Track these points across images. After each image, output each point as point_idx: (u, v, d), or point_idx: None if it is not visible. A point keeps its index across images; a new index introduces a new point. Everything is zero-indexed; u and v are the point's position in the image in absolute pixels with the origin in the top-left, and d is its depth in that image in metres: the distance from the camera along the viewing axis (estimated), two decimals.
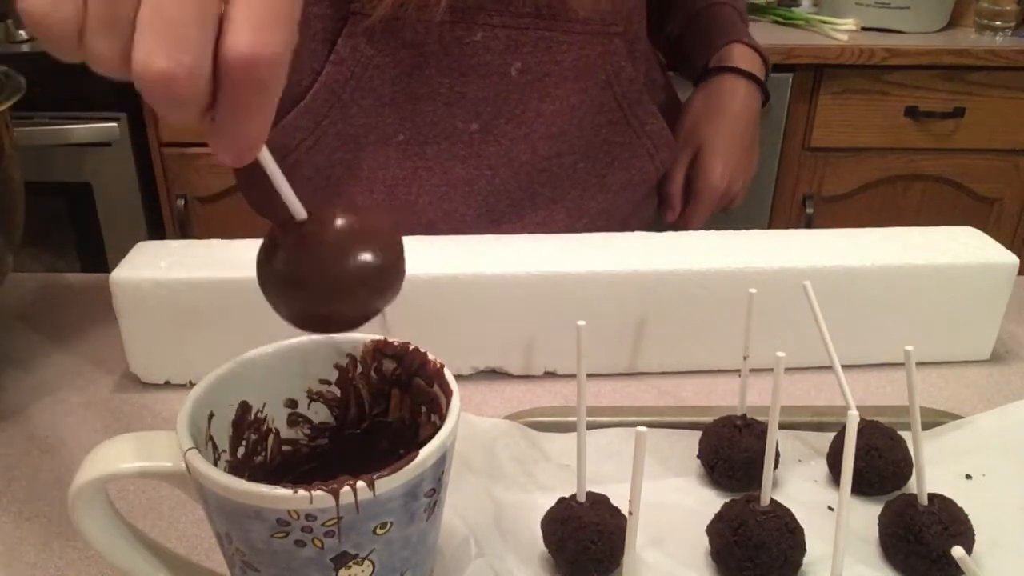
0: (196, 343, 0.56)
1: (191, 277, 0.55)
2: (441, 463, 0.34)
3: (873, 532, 0.44)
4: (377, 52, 0.63)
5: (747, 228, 0.63)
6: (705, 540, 0.43)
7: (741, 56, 0.80)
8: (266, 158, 0.31)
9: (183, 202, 1.70)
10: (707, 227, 0.64)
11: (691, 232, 0.62)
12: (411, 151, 0.65)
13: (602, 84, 0.68)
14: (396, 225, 0.34)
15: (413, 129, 0.65)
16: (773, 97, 0.85)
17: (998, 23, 1.71)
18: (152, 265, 0.56)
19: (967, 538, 0.42)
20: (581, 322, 0.42)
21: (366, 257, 0.32)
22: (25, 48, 1.56)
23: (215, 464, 0.32)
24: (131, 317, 0.56)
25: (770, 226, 1.80)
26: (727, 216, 0.81)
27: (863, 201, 1.78)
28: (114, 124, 1.61)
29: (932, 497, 0.42)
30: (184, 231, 1.71)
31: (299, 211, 0.32)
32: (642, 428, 0.33)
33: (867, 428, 0.47)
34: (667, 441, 0.51)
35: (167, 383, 0.58)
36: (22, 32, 1.57)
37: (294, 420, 0.40)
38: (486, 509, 0.45)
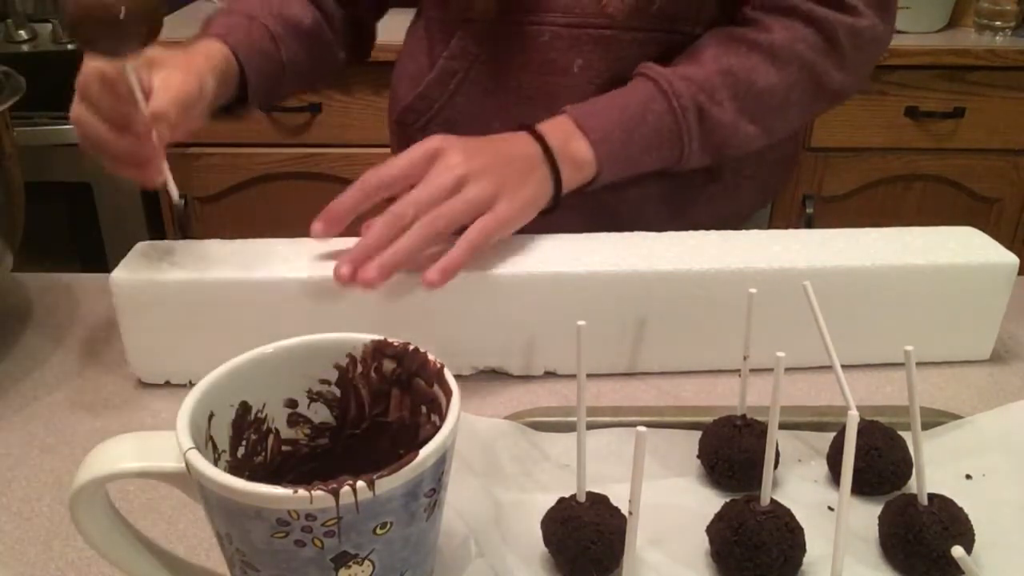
0: (196, 343, 0.56)
1: (191, 277, 0.55)
2: (441, 463, 0.34)
3: (873, 532, 0.44)
4: (482, 51, 0.71)
5: (747, 228, 0.63)
6: (705, 540, 0.43)
7: (555, 127, 0.65)
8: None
9: (183, 202, 1.70)
10: (707, 227, 0.64)
11: (691, 232, 0.62)
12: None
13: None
14: None
15: (507, 119, 0.69)
16: None
17: (998, 23, 1.71)
18: (152, 265, 0.56)
19: (967, 538, 0.42)
20: (581, 322, 0.42)
21: None
22: (25, 48, 1.56)
23: (215, 464, 0.32)
24: (131, 317, 0.56)
25: (770, 226, 1.78)
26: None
27: (863, 201, 1.78)
28: None
29: (932, 497, 0.42)
30: (184, 231, 1.71)
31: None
32: (642, 428, 0.33)
33: (867, 428, 0.48)
34: (667, 441, 0.51)
35: (167, 383, 0.58)
36: (22, 32, 1.57)
37: (294, 420, 0.40)
38: (486, 509, 0.45)
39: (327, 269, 0.55)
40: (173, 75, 0.56)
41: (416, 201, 0.56)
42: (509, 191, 0.59)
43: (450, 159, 0.58)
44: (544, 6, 0.68)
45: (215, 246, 0.59)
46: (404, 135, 0.79)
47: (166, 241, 0.59)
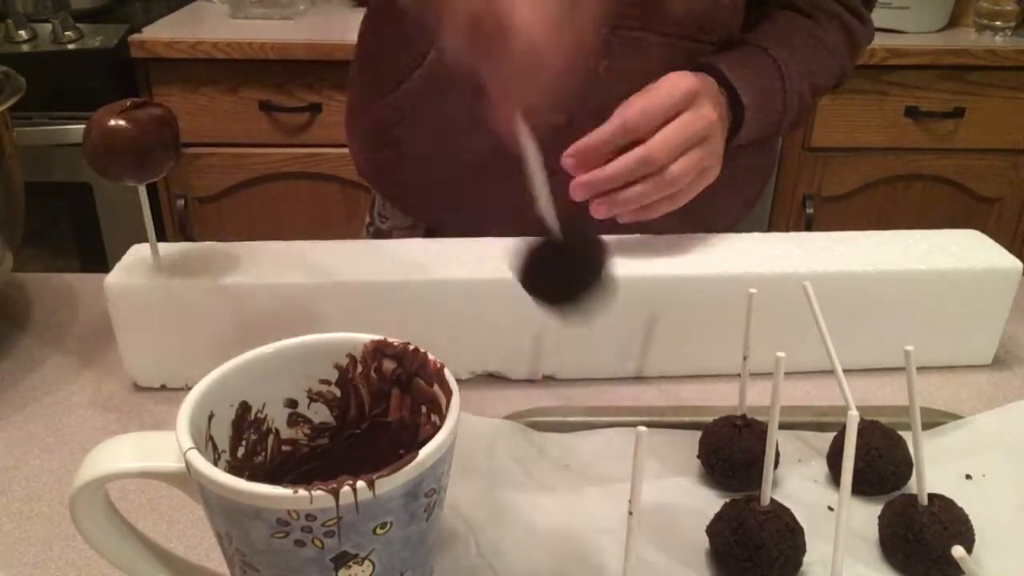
0: (192, 348, 0.56)
1: (187, 282, 0.55)
2: (441, 463, 0.34)
3: (873, 532, 0.44)
4: None
5: (747, 228, 0.63)
6: (705, 540, 0.43)
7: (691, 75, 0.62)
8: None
9: (183, 202, 1.69)
10: (707, 231, 0.64)
11: (691, 236, 0.61)
12: (499, 140, 0.65)
13: None
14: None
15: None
16: None
17: (998, 23, 1.71)
18: (147, 269, 0.55)
19: (967, 538, 0.42)
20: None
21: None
22: (25, 48, 1.56)
23: (215, 464, 0.32)
24: (126, 322, 0.56)
25: (770, 226, 1.80)
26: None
27: (863, 201, 1.78)
28: None
29: (932, 497, 0.42)
30: (184, 231, 1.71)
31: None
32: (642, 428, 0.33)
33: (867, 428, 0.48)
34: (667, 441, 0.51)
35: (163, 387, 0.58)
36: (22, 32, 1.57)
37: (294, 420, 0.40)
38: (486, 509, 0.45)
39: (324, 273, 0.54)
40: None
41: (673, 149, 0.55)
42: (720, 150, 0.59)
43: (704, 107, 0.57)
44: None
45: (210, 249, 0.58)
46: (375, 145, 0.76)
47: (161, 244, 0.58)
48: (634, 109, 0.55)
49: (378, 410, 0.40)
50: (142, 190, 0.52)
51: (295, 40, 1.55)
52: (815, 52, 0.68)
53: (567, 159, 0.55)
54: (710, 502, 0.46)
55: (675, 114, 0.56)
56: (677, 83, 0.56)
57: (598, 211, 0.55)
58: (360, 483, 0.30)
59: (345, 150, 0.84)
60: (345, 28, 1.62)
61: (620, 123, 0.55)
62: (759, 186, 0.80)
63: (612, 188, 0.55)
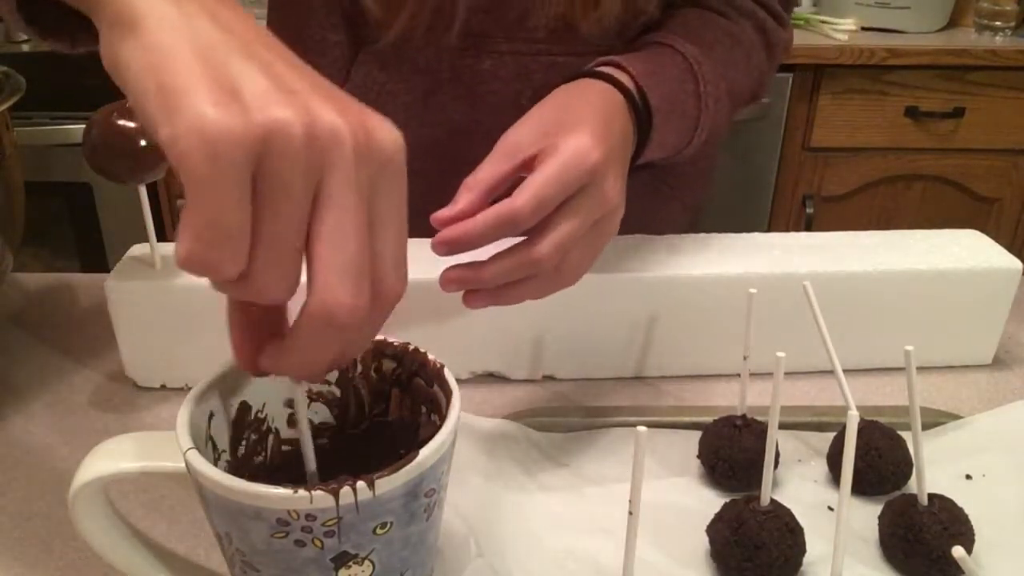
0: (193, 348, 0.56)
1: (187, 282, 0.55)
2: (441, 463, 0.34)
3: (873, 532, 0.44)
4: (389, 79, 0.64)
5: (747, 228, 0.63)
6: (705, 540, 0.43)
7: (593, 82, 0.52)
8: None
9: (183, 202, 1.70)
10: (707, 230, 0.64)
11: (692, 236, 0.62)
12: (428, 178, 0.62)
13: None
14: None
15: (429, 157, 0.64)
16: (773, 97, 0.79)
17: (998, 23, 1.71)
18: (146, 270, 0.55)
19: (967, 538, 0.42)
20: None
21: None
22: (25, 48, 1.56)
23: (215, 464, 0.32)
24: (126, 323, 0.56)
25: (770, 226, 1.80)
26: (725, 216, 0.79)
27: (863, 201, 1.78)
28: None
29: (932, 497, 0.43)
30: None
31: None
32: (642, 428, 0.33)
33: (867, 428, 0.48)
34: (667, 441, 0.51)
35: (163, 387, 0.58)
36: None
37: (294, 420, 0.40)
38: (486, 509, 0.45)
39: None
40: None
41: (566, 247, 0.44)
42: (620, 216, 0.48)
43: (608, 187, 0.45)
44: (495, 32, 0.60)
45: None
46: None
47: (161, 244, 0.58)
48: (526, 197, 0.42)
49: (378, 410, 0.40)
50: (142, 190, 0.52)
51: None
52: (732, 52, 0.61)
53: (437, 247, 0.44)
54: (710, 502, 0.46)
55: (573, 192, 0.44)
56: (583, 157, 0.44)
57: (472, 304, 0.45)
58: (360, 483, 0.30)
59: None
60: None
61: (508, 214, 0.42)
62: (702, 191, 0.77)
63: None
